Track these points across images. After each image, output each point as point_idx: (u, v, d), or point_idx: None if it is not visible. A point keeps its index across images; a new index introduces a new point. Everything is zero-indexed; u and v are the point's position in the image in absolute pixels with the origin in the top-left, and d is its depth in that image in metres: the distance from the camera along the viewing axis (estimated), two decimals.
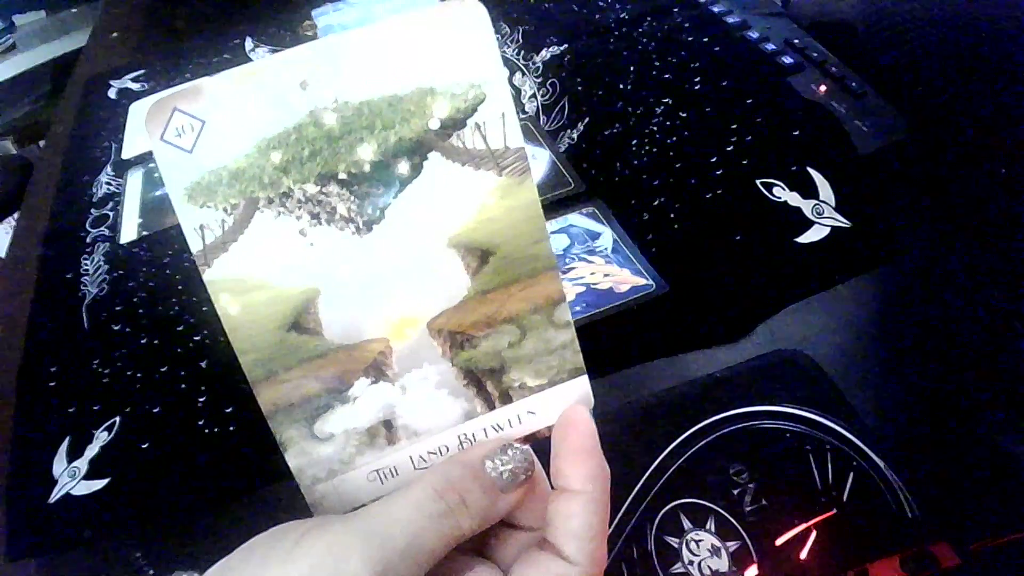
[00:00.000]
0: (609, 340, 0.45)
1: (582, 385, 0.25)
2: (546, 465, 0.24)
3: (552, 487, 0.24)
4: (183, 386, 0.47)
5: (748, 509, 0.37)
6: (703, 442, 0.39)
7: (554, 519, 0.23)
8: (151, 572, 0.38)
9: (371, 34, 0.22)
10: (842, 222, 0.49)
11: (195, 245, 0.23)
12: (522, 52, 0.70)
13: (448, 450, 0.25)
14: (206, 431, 0.44)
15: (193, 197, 0.22)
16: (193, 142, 0.22)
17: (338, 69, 0.22)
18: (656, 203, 0.53)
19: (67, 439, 0.46)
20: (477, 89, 0.22)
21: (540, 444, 0.25)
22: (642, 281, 0.48)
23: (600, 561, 0.23)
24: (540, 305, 0.24)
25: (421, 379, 0.24)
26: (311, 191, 0.23)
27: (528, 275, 0.24)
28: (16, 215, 0.78)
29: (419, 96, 0.22)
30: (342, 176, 0.23)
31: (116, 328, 0.52)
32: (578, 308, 0.46)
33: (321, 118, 0.22)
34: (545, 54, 0.68)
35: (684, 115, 0.58)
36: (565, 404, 0.25)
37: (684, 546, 0.36)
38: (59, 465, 0.44)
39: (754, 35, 0.64)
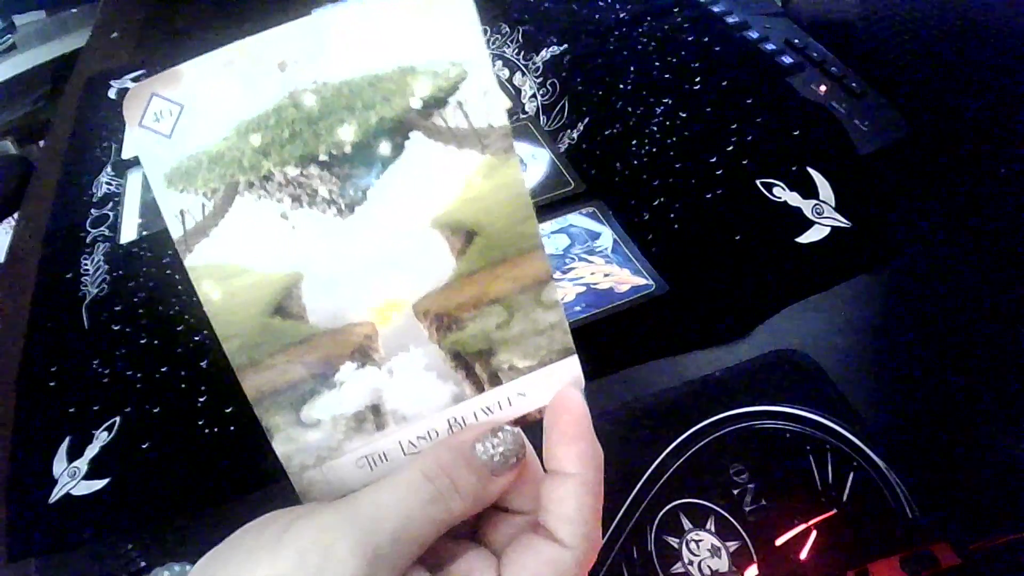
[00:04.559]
0: (609, 340, 0.45)
1: (573, 366, 0.25)
2: (538, 448, 0.24)
3: (544, 470, 0.24)
4: (183, 386, 0.47)
5: (748, 509, 0.37)
6: (703, 442, 0.39)
7: (547, 502, 0.23)
8: (143, 564, 0.38)
9: (350, 13, 0.21)
10: (842, 222, 0.49)
11: (175, 231, 0.22)
12: (522, 52, 0.70)
13: (438, 434, 0.24)
14: (206, 431, 0.44)
15: (172, 182, 0.22)
16: (172, 127, 0.22)
17: (317, 49, 0.21)
18: (656, 203, 0.52)
19: (67, 439, 0.45)
20: (458, 67, 0.22)
21: (531, 427, 0.25)
22: (642, 281, 0.48)
23: (594, 544, 0.22)
24: (527, 285, 0.24)
25: (408, 363, 0.24)
26: (292, 173, 0.22)
27: (514, 255, 0.23)
28: (16, 215, 0.78)
29: (399, 75, 0.22)
30: (323, 158, 0.22)
31: (116, 328, 0.52)
32: (578, 308, 0.46)
33: (301, 99, 0.22)
34: (545, 54, 0.68)
35: (684, 115, 0.58)
36: (556, 385, 0.24)
37: (684, 546, 0.36)
38: (59, 465, 0.44)
39: (754, 35, 0.64)
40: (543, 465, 0.24)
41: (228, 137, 0.22)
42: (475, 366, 0.24)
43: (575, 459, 0.23)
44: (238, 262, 0.23)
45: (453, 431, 0.25)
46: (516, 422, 0.25)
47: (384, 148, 0.23)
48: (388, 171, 0.23)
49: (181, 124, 0.22)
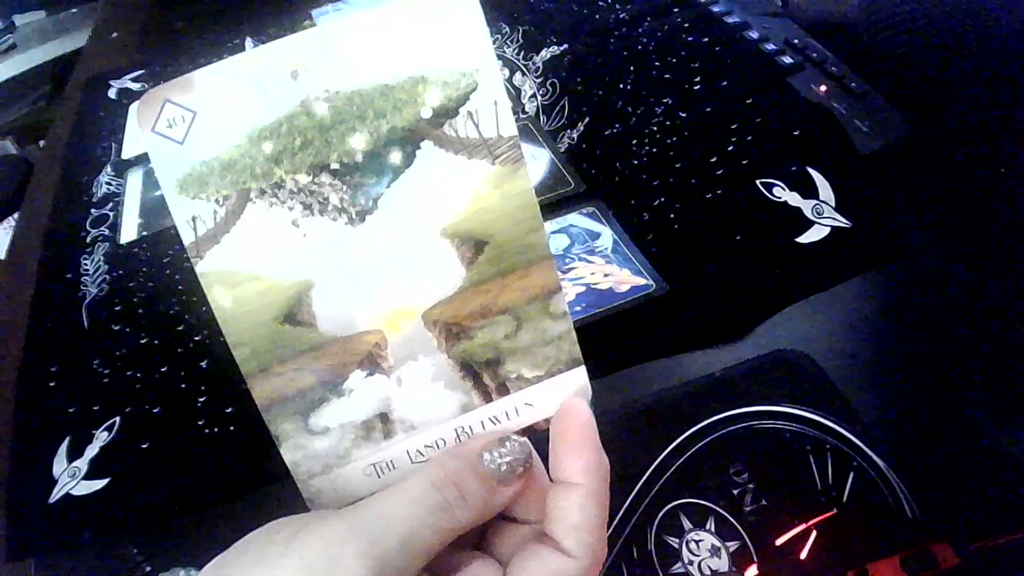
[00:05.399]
0: (609, 340, 0.45)
1: (580, 376, 0.25)
2: (544, 458, 0.24)
3: (551, 480, 0.24)
4: (183, 386, 0.47)
5: (748, 509, 0.37)
6: (703, 442, 0.39)
7: (553, 512, 0.23)
8: (148, 569, 0.38)
9: (362, 23, 0.22)
10: (842, 222, 0.49)
11: (187, 237, 0.22)
12: (522, 52, 0.70)
13: (445, 443, 0.25)
14: (206, 431, 0.44)
15: (185, 189, 0.22)
16: (184, 133, 0.22)
17: (329, 58, 0.22)
18: (656, 203, 0.53)
19: (67, 439, 0.46)
20: (469, 77, 0.22)
21: (538, 436, 0.25)
22: (642, 281, 0.48)
23: (599, 554, 0.23)
24: (536, 295, 0.24)
25: (417, 371, 0.24)
26: (303, 181, 0.22)
27: (523, 265, 0.24)
28: (16, 215, 0.78)
29: (411, 85, 0.22)
30: (334, 166, 0.22)
31: (116, 328, 0.52)
32: (578, 308, 0.46)
33: (312, 108, 0.22)
34: (545, 54, 0.68)
35: (684, 115, 0.58)
36: (563, 395, 0.25)
37: (684, 546, 0.36)
38: (59, 465, 0.44)
39: (754, 35, 0.64)
40: (549, 475, 0.24)
41: (240, 144, 0.22)
42: (483, 376, 0.24)
43: (581, 469, 0.23)
44: (249, 269, 0.23)
45: (461, 440, 0.25)
46: (523, 432, 0.25)
47: (395, 157, 0.23)
48: (399, 180, 0.23)
49: (194, 131, 0.22)
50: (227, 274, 0.23)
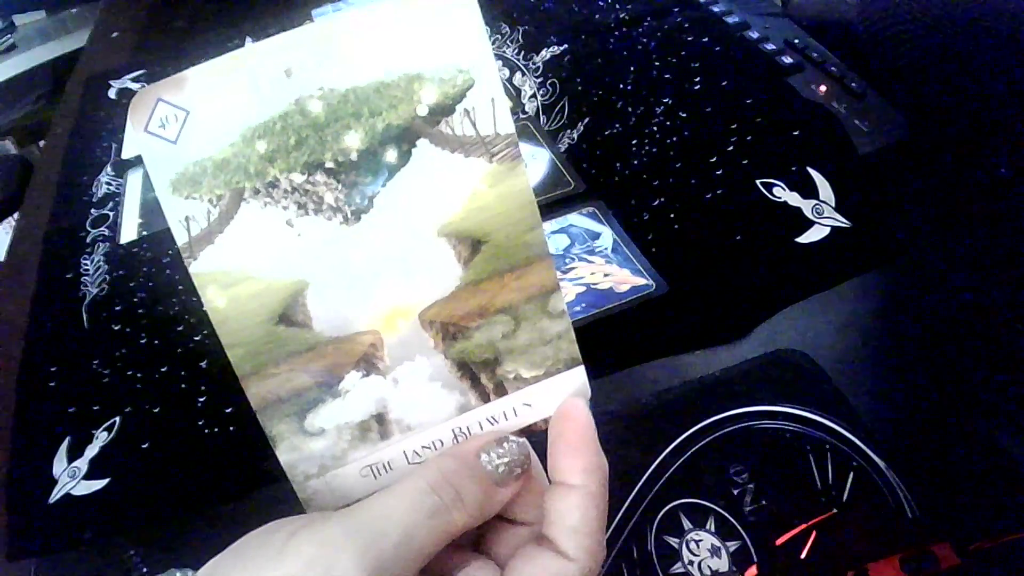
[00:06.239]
0: (609, 340, 0.45)
1: (579, 376, 0.25)
2: (543, 458, 0.24)
3: (549, 481, 0.24)
4: (183, 386, 0.47)
5: (748, 509, 0.37)
6: (703, 442, 0.39)
7: (551, 514, 0.23)
8: (144, 570, 0.38)
9: (356, 19, 0.21)
10: (842, 222, 0.49)
11: (180, 237, 0.22)
12: (522, 52, 0.70)
13: (442, 444, 0.24)
14: (206, 431, 0.44)
15: (178, 188, 0.22)
16: (177, 133, 0.22)
17: (323, 56, 0.21)
18: (656, 203, 0.52)
19: (67, 439, 0.45)
20: (466, 74, 0.22)
21: (537, 437, 0.25)
22: (642, 281, 0.48)
23: (598, 557, 0.22)
24: (534, 294, 0.24)
25: (413, 372, 0.24)
26: (298, 180, 0.22)
27: (521, 264, 0.23)
28: (16, 215, 0.78)
29: (406, 82, 0.22)
30: (329, 165, 0.22)
31: (116, 328, 0.52)
32: (578, 308, 0.46)
33: (306, 106, 0.22)
34: (545, 54, 0.68)
35: (684, 115, 0.58)
36: (562, 396, 0.24)
37: (684, 546, 0.36)
38: (59, 465, 0.44)
39: (754, 35, 0.64)
40: (548, 476, 0.24)
41: (234, 143, 0.22)
42: (481, 376, 0.24)
43: (580, 471, 0.23)
44: (243, 269, 0.23)
45: (458, 441, 0.24)
46: (521, 432, 0.25)
47: (391, 155, 0.22)
48: (395, 179, 0.23)
49: (187, 130, 0.22)
50: (221, 274, 0.23)
